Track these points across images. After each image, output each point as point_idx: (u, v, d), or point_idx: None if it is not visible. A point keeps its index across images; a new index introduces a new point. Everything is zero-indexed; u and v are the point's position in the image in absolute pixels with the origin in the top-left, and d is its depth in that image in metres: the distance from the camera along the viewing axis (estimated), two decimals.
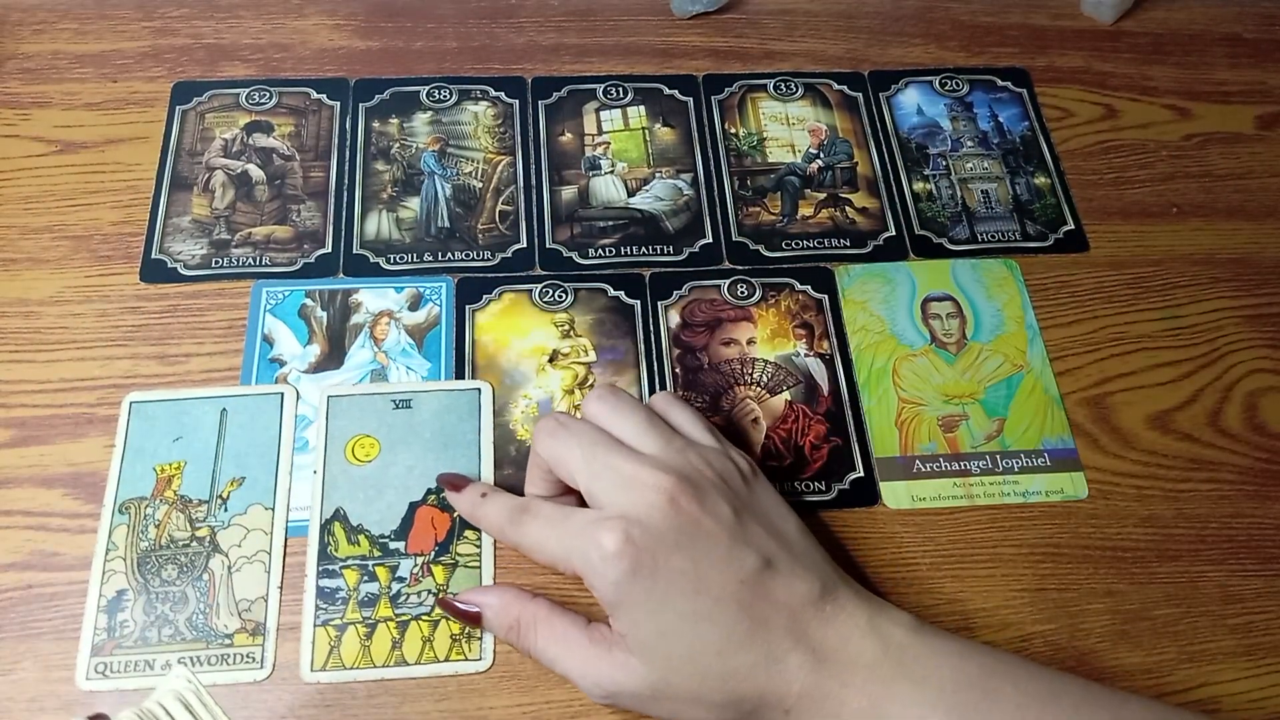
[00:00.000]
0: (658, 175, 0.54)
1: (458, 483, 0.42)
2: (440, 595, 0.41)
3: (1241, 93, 0.60)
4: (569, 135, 0.55)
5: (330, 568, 0.42)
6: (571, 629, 0.37)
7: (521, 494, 0.41)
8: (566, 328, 0.49)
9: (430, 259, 0.50)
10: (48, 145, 0.53)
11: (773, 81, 0.58)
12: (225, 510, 0.43)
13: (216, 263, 0.49)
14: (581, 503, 0.38)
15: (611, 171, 0.54)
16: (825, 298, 0.50)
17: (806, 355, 0.49)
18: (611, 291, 0.50)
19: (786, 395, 0.48)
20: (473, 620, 0.40)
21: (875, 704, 0.34)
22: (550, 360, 0.48)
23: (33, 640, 0.40)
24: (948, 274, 0.52)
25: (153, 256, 0.49)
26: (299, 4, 0.59)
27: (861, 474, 0.46)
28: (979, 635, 0.42)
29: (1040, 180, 0.55)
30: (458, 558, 0.42)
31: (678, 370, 0.48)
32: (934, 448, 0.46)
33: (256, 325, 0.48)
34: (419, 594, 0.41)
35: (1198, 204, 0.55)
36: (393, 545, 0.42)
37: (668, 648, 0.35)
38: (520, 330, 0.48)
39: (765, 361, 0.48)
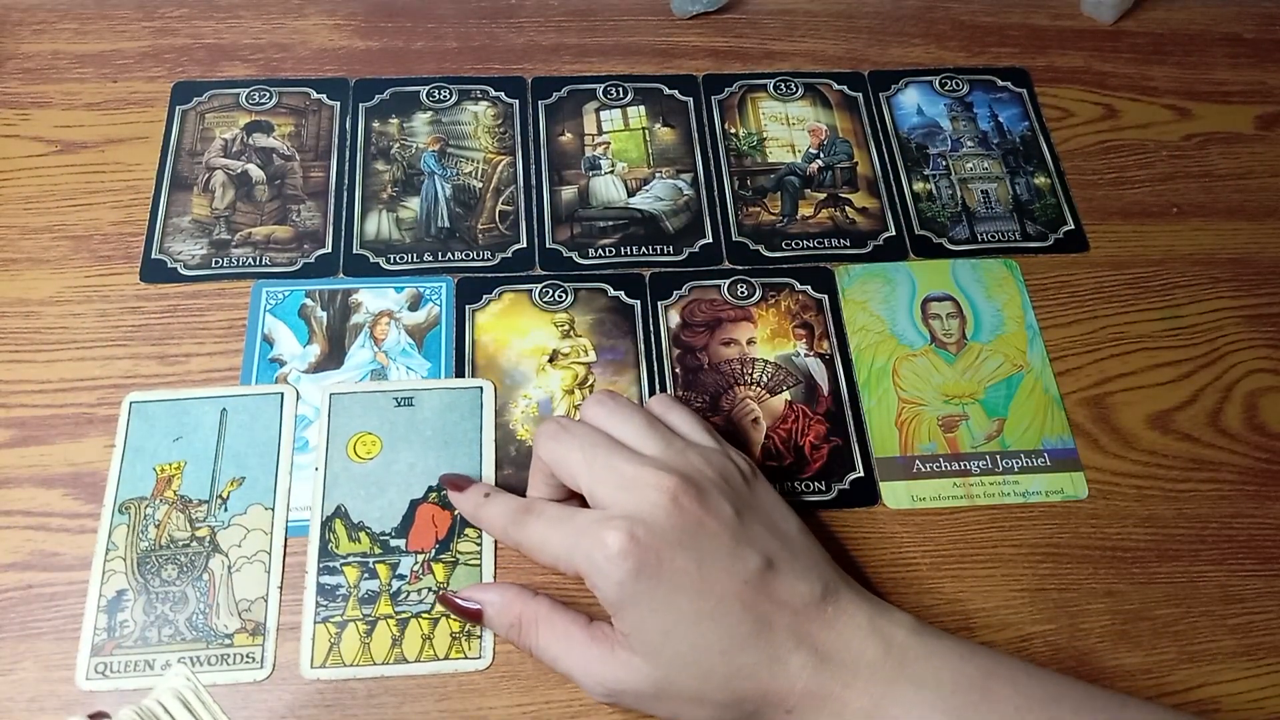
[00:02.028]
0: (658, 175, 0.54)
1: (460, 483, 0.42)
2: (441, 592, 0.41)
3: (1241, 93, 0.60)
4: (569, 135, 0.55)
5: (331, 564, 0.42)
6: (573, 627, 0.37)
7: (523, 496, 0.41)
8: (566, 328, 0.49)
9: (430, 259, 0.50)
10: (48, 145, 0.53)
11: (773, 81, 0.58)
12: (225, 510, 0.43)
13: (216, 263, 0.49)
14: (584, 506, 0.38)
15: (611, 171, 0.54)
16: (825, 298, 0.50)
17: (806, 355, 0.49)
18: (611, 291, 0.50)
19: (786, 395, 0.48)
20: (473, 617, 0.40)
21: (876, 705, 0.34)
22: (550, 360, 0.48)
23: (33, 640, 0.40)
24: (948, 274, 0.52)
25: (153, 256, 0.49)
26: (299, 4, 0.59)
27: (861, 474, 0.46)
28: (979, 635, 0.42)
29: (1040, 180, 0.55)
30: (458, 555, 0.42)
31: (678, 370, 0.48)
32: (934, 448, 0.46)
33: (256, 325, 0.48)
34: (419, 591, 0.41)
35: (1198, 204, 0.55)
36: (393, 543, 0.42)
37: (671, 647, 0.35)
38: (520, 330, 0.48)
39: (765, 361, 0.48)
